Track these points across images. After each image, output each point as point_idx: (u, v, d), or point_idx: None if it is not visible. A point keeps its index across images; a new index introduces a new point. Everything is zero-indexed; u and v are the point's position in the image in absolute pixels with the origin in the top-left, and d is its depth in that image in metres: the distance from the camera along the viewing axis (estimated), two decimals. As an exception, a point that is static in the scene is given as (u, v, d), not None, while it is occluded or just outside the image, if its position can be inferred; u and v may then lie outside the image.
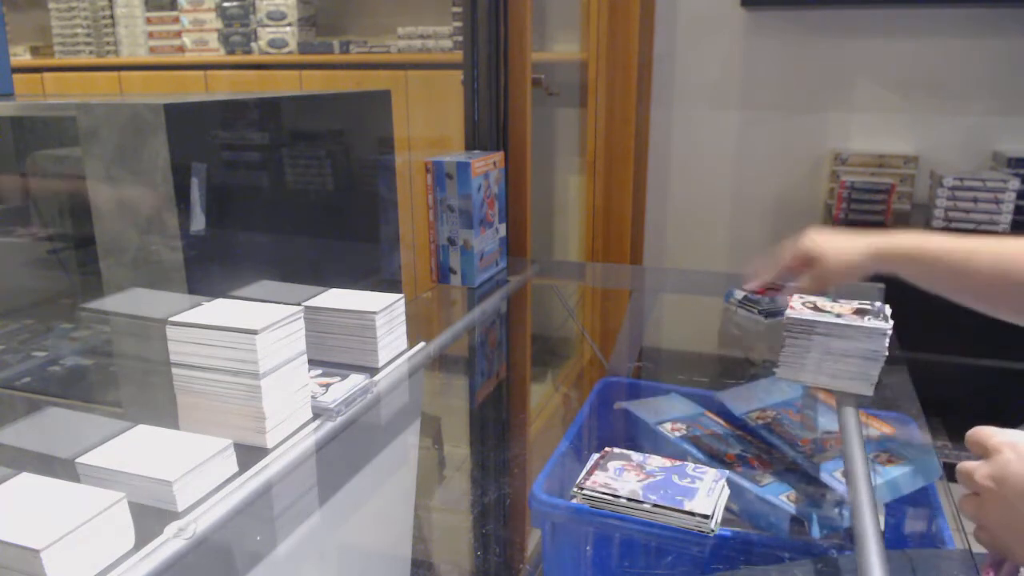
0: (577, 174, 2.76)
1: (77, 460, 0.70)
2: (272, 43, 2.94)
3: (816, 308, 0.98)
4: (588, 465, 0.90)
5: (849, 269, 1.00)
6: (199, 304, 0.84)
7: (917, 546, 1.00)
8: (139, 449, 0.73)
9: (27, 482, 0.64)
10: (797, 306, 0.99)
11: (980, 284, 0.90)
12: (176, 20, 3.06)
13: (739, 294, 1.36)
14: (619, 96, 2.40)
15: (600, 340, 1.70)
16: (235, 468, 0.75)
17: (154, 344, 0.85)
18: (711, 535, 0.80)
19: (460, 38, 2.55)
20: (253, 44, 2.97)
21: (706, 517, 0.80)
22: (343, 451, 0.88)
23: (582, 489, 0.85)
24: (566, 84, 2.62)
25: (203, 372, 0.79)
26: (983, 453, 0.61)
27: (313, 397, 0.88)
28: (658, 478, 0.87)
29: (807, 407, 1.15)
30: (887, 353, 0.92)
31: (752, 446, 1.07)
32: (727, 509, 0.85)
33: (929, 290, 0.95)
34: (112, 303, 0.92)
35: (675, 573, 0.85)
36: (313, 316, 1.00)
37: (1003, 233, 2.04)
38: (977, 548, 0.73)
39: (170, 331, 0.80)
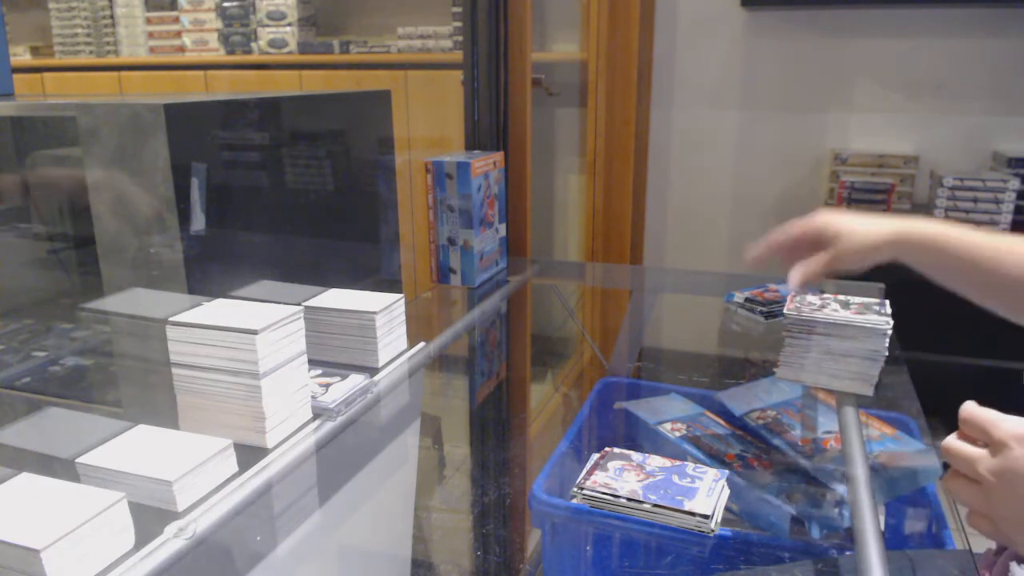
0: (577, 174, 2.76)
1: (77, 460, 0.70)
2: (272, 43, 2.94)
3: (816, 308, 0.98)
4: (588, 465, 0.90)
5: (868, 251, 0.89)
6: (199, 304, 0.84)
7: (917, 546, 1.00)
8: (139, 449, 0.73)
9: (27, 482, 0.64)
10: (797, 306, 0.99)
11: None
12: (176, 20, 3.06)
13: (740, 295, 1.36)
14: (619, 96, 2.40)
15: (600, 340, 1.70)
16: (235, 468, 0.75)
17: (154, 344, 0.85)
18: (711, 535, 0.80)
19: (460, 38, 2.55)
20: (253, 44, 2.97)
21: (706, 517, 0.80)
22: (343, 451, 0.88)
23: (582, 489, 0.85)
24: (566, 84, 2.62)
25: (203, 372, 0.79)
26: (987, 441, 0.60)
27: (313, 397, 0.88)
28: (658, 478, 0.87)
29: (807, 407, 1.15)
30: (887, 353, 0.92)
31: (752, 446, 1.07)
32: (727, 509, 0.85)
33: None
34: (112, 303, 0.92)
35: (675, 573, 0.85)
36: (313, 316, 1.00)
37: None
38: (977, 547, 0.73)
39: (170, 331, 0.80)
